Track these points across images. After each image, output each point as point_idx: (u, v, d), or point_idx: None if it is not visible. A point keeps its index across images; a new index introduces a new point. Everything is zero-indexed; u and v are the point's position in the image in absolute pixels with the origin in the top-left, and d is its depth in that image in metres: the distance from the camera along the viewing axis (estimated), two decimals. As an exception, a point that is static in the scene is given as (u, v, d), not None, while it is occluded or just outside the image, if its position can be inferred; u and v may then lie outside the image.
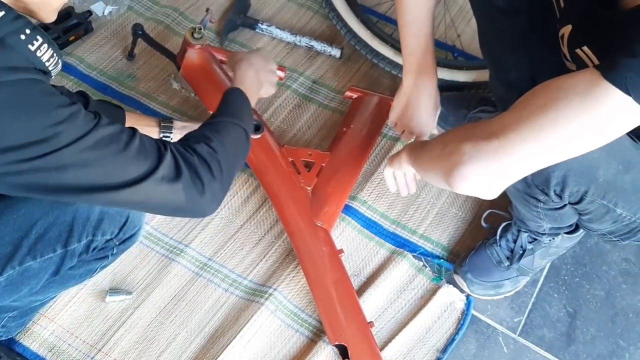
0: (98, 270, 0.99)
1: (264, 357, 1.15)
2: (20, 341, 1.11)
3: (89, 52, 1.49)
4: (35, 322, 1.13)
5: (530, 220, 1.12)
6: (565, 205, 1.00)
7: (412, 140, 1.29)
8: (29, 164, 0.66)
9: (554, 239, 1.19)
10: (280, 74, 1.38)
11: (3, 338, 1.07)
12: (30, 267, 0.83)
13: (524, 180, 0.83)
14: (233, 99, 0.98)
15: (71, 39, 1.49)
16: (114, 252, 0.95)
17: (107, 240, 0.90)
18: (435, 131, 1.31)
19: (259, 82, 1.12)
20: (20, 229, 0.82)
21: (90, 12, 1.53)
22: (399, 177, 1.16)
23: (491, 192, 0.83)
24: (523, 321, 1.24)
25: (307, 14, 1.64)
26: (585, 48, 0.82)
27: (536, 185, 0.96)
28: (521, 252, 1.21)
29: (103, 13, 1.55)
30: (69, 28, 1.49)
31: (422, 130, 1.27)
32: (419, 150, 1.02)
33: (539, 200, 1.00)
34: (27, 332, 1.12)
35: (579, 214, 1.03)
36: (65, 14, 1.51)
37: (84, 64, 1.47)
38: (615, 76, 0.68)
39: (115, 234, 0.90)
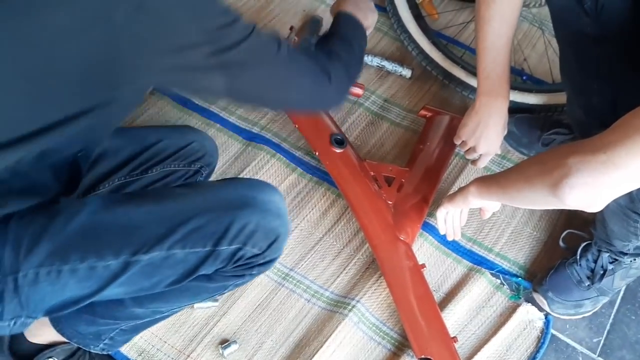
0: (231, 287, 0.98)
1: (349, 368, 1.16)
2: (112, 344, 1.13)
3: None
4: (126, 325, 1.15)
5: (618, 239, 1.13)
6: None
7: (476, 156, 1.32)
8: (210, 60, 0.74)
9: (635, 260, 1.19)
10: (359, 91, 1.41)
11: (105, 352, 1.05)
12: (174, 256, 0.83)
13: (629, 195, 0.84)
14: (346, 20, 1.11)
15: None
16: (253, 272, 0.94)
17: (254, 256, 0.90)
18: (499, 151, 1.35)
19: (363, 10, 1.16)
20: (180, 216, 0.83)
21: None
22: (449, 220, 1.23)
23: (597, 205, 0.84)
24: (602, 342, 1.24)
25: (377, 35, 1.68)
26: None
27: None
28: (602, 272, 1.21)
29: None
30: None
31: (488, 149, 1.29)
32: (497, 178, 1.05)
33: None
34: (117, 335, 1.14)
35: None
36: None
37: (165, 78, 1.51)
38: None
39: (263, 250, 0.90)
